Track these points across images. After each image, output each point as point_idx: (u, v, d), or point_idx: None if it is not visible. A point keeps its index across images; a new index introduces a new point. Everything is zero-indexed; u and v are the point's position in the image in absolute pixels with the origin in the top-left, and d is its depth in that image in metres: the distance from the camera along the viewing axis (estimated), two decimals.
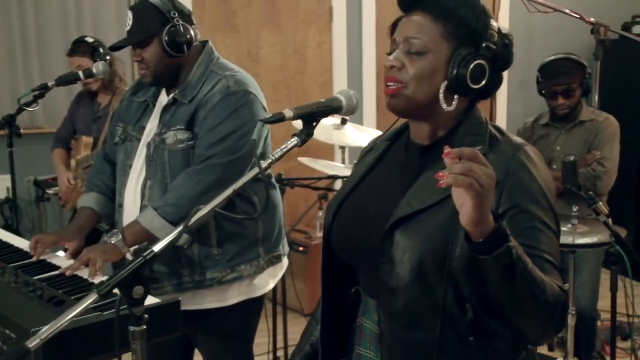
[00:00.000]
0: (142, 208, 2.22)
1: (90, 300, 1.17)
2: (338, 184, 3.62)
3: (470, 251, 1.18)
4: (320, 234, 4.45)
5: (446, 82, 1.40)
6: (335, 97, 1.45)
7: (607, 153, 3.26)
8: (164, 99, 2.31)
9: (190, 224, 1.25)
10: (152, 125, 2.29)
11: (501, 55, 1.44)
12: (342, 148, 3.62)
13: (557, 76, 3.30)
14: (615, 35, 3.81)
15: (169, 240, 1.25)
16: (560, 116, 3.38)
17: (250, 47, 4.78)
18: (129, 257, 2.18)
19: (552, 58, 3.38)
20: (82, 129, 3.91)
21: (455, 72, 1.38)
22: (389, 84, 1.42)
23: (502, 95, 5.24)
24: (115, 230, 2.15)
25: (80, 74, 2.52)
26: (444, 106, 1.40)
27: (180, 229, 1.26)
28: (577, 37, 4.72)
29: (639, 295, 3.05)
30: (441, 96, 1.40)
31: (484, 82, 1.41)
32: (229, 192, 1.30)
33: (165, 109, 2.26)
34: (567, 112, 3.35)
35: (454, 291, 1.33)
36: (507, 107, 5.34)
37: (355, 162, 1.68)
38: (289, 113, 1.37)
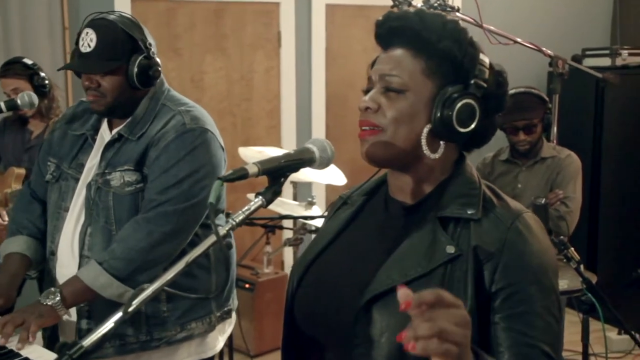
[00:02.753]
0: (82, 258, 1.95)
1: None
2: (288, 222, 3.42)
3: None
4: (267, 270, 4.23)
5: (429, 125, 1.20)
6: (307, 148, 1.23)
7: (571, 192, 3.15)
8: (105, 132, 2.05)
9: (130, 309, 1.00)
10: (92, 163, 2.02)
11: (494, 94, 1.25)
12: (293, 183, 3.41)
13: (518, 111, 3.18)
14: (576, 66, 3.72)
15: (103, 332, 1.00)
16: (520, 152, 3.26)
17: (193, 72, 4.53)
18: (66, 318, 1.91)
19: (513, 92, 3.25)
20: (10, 159, 3.56)
21: (439, 113, 1.19)
22: (363, 127, 1.22)
23: None
24: (53, 289, 1.86)
25: (2, 105, 2.22)
26: (427, 153, 1.21)
27: (117, 316, 1.01)
28: (529, 69, 4.68)
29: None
30: (423, 141, 1.21)
31: (473, 125, 1.21)
32: (180, 266, 1.07)
33: (108, 146, 1.99)
34: (528, 148, 3.23)
35: None
36: None
37: (326, 215, 1.46)
38: (252, 168, 1.14)
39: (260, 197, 1.16)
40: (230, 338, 3.19)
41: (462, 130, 1.20)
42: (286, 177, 1.19)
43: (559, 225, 3.07)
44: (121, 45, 1.91)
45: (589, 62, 4.86)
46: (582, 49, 5.03)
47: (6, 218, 3.45)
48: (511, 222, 1.19)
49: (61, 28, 4.12)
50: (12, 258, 2.04)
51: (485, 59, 1.24)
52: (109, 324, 1.01)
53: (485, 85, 1.22)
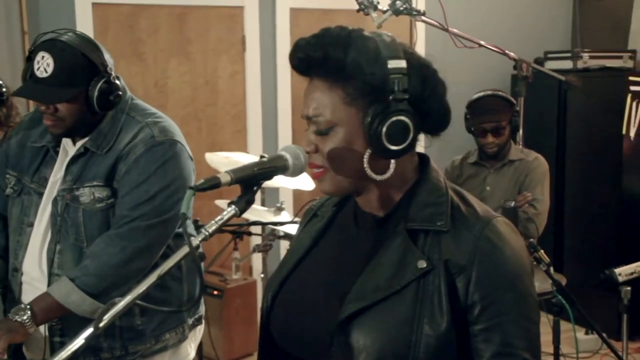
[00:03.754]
0: (52, 276, 1.89)
1: None
2: (256, 228, 3.38)
3: None
4: (236, 276, 4.18)
5: (369, 149, 1.17)
6: (280, 155, 1.21)
7: (539, 194, 3.17)
8: (68, 145, 1.99)
9: (102, 324, 0.97)
10: (56, 177, 1.96)
11: (422, 93, 1.20)
12: (262, 189, 3.37)
13: (485, 113, 3.20)
14: (540, 70, 3.76)
15: (73, 349, 0.96)
16: (489, 154, 3.28)
17: (157, 76, 4.47)
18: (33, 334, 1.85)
19: (481, 94, 3.28)
20: None
21: (370, 137, 1.16)
22: (312, 169, 1.23)
23: None
24: (22, 305, 1.81)
25: None
26: (375, 177, 1.19)
27: (88, 332, 0.97)
28: (493, 72, 4.72)
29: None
30: (367, 167, 1.18)
31: (410, 137, 1.18)
32: (152, 279, 1.03)
33: (73, 160, 1.93)
34: (496, 151, 3.25)
35: None
36: (423, 142, 5.25)
37: (297, 227, 1.43)
38: (225, 177, 1.11)
39: (234, 206, 1.13)
40: (200, 346, 3.15)
41: (399, 147, 1.17)
42: (259, 185, 1.17)
43: (527, 227, 3.09)
44: (80, 70, 1.84)
45: (551, 64, 4.92)
46: (544, 52, 5.09)
47: None
48: (480, 230, 1.17)
49: (20, 33, 4.03)
50: None
51: (399, 64, 1.16)
52: (79, 340, 0.98)
53: (406, 95, 1.17)
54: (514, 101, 3.26)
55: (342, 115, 1.17)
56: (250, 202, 1.14)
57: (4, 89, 3.33)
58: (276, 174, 1.19)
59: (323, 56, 1.17)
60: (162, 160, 1.88)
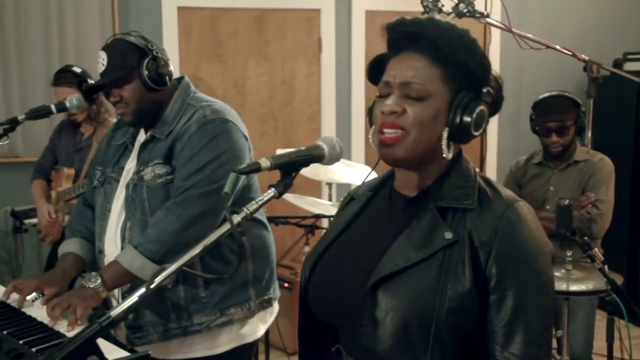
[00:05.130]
0: None
1: None
2: (324, 222, 3.51)
3: None
4: None
5: (447, 128, 1.30)
6: (317, 145, 1.34)
7: (602, 195, 3.16)
8: (141, 137, 2.21)
9: (153, 285, 1.13)
10: (130, 165, 2.18)
11: (495, 99, 1.36)
12: (329, 184, 3.52)
13: (550, 113, 3.21)
14: (606, 72, 3.74)
15: (129, 304, 1.13)
16: (553, 154, 3.29)
17: (236, 77, 4.69)
18: (114, 302, 2.06)
19: (546, 95, 3.30)
20: (63, 159, 3.78)
21: (458, 119, 1.29)
22: (387, 130, 1.30)
23: (492, 130, 5.17)
24: (94, 273, 2.01)
25: (53, 107, 2.40)
26: (446, 154, 1.31)
27: (141, 291, 1.14)
28: (568, 73, 4.69)
29: (635, 338, 2.94)
30: (444, 144, 1.30)
31: (482, 128, 1.32)
32: (197, 249, 1.19)
33: (143, 147, 2.15)
34: (561, 150, 3.26)
35: (440, 355, 1.23)
36: (497, 143, 5.27)
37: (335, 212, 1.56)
38: (265, 162, 1.26)
39: (273, 189, 1.28)
40: (267, 335, 3.29)
41: (476, 133, 1.30)
42: (297, 171, 1.30)
43: (590, 227, 3.09)
44: (128, 54, 2.08)
45: (630, 66, 4.85)
46: (623, 52, 5.01)
47: (54, 215, 3.66)
48: (503, 211, 1.28)
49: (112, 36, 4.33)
50: (66, 257, 2.22)
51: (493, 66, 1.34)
52: (133, 298, 1.14)
53: (493, 92, 1.32)
54: (579, 102, 3.26)
55: (437, 90, 1.29)
56: (288, 185, 1.28)
57: None
58: (313, 162, 1.33)
59: (436, 38, 1.29)
60: (212, 135, 2.06)
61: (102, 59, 2.09)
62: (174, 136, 2.09)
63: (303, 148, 1.33)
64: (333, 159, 1.34)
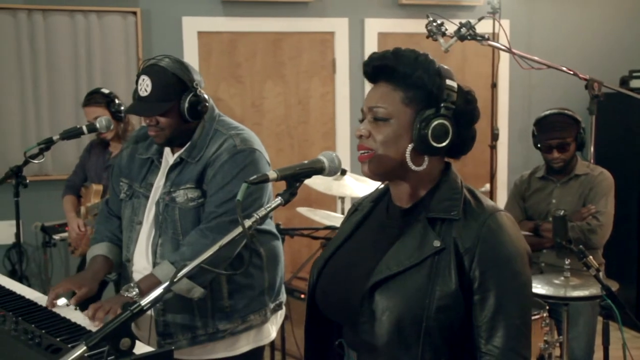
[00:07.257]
0: (155, 265, 2.27)
1: (78, 352, 1.23)
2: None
3: None
4: None
5: (411, 144, 1.47)
6: (318, 159, 1.53)
7: (602, 207, 3.30)
8: (169, 156, 2.37)
9: (175, 280, 1.31)
10: (159, 183, 2.34)
11: (464, 111, 1.50)
12: (341, 198, 3.69)
13: (551, 130, 3.37)
14: (611, 89, 3.88)
15: (156, 295, 1.32)
16: (555, 169, 3.44)
17: (254, 97, 4.89)
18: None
19: (547, 113, 3.46)
20: (92, 176, 4.00)
21: (417, 133, 1.45)
22: (360, 151, 1.51)
23: (502, 145, 5.31)
24: (132, 284, 2.19)
25: (84, 128, 2.61)
26: (412, 166, 1.47)
27: (165, 285, 1.32)
28: (575, 91, 4.78)
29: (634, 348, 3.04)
30: (407, 157, 1.47)
31: (447, 140, 1.47)
32: (214, 248, 1.37)
33: (172, 168, 2.31)
34: (562, 166, 3.41)
35: (431, 349, 1.40)
36: (507, 158, 5.41)
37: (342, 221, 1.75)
38: (272, 174, 1.44)
39: (280, 197, 1.46)
40: (283, 342, 3.45)
41: (437, 145, 1.46)
42: (301, 182, 1.49)
43: (589, 238, 3.23)
44: (172, 87, 2.21)
45: (636, 83, 4.98)
46: (629, 70, 5.14)
47: (83, 228, 3.87)
48: (484, 220, 1.45)
49: (135, 60, 4.57)
50: (96, 259, 2.41)
51: (452, 83, 1.48)
52: (159, 290, 1.33)
53: (453, 106, 1.47)
54: (579, 119, 3.41)
55: (399, 111, 1.47)
56: (293, 194, 1.47)
57: (122, 107, 3.85)
58: (314, 174, 1.52)
59: (395, 65, 1.49)
60: (243, 165, 2.23)
61: (146, 84, 2.19)
62: (204, 162, 2.25)
63: (306, 162, 1.51)
64: (332, 171, 1.53)
